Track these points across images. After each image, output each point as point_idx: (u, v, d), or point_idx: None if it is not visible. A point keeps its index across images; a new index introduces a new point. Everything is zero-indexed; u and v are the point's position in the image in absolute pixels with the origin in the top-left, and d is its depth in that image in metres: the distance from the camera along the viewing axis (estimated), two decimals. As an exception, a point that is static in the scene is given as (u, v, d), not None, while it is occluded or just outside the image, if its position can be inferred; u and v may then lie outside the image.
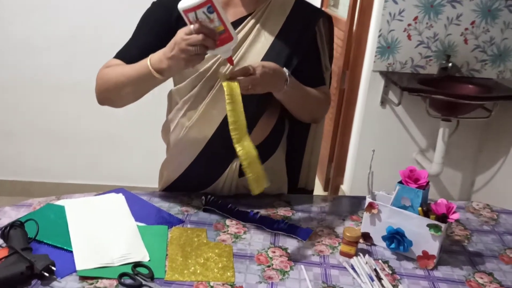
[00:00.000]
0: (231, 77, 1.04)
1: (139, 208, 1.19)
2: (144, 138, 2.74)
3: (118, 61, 1.18)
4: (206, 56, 1.16)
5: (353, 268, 1.02)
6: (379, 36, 2.58)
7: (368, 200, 1.12)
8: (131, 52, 1.18)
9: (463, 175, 2.90)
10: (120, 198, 1.22)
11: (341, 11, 3.50)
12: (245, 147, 1.03)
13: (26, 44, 2.60)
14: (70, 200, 1.19)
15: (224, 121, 1.14)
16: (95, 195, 1.23)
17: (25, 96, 2.71)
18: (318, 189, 3.30)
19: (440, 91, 2.37)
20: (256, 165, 1.04)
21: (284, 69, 1.13)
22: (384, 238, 1.10)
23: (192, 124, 1.21)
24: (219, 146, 1.19)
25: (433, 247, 1.06)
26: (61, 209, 1.15)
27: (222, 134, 1.14)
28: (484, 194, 2.84)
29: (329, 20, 1.29)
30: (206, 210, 1.21)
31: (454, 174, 2.88)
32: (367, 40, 2.75)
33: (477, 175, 2.89)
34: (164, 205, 1.23)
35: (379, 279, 0.99)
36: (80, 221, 1.10)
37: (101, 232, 1.07)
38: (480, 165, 2.86)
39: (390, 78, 2.56)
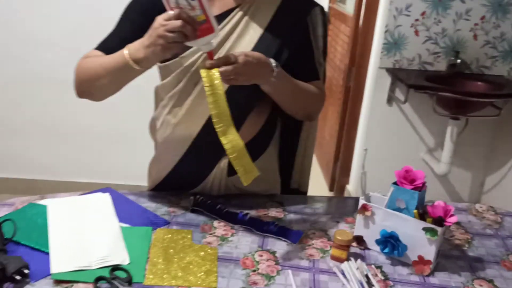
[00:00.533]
0: (211, 67, 0.99)
1: (125, 208, 1.15)
2: (142, 134, 2.71)
3: (98, 52, 1.15)
4: (191, 49, 1.12)
5: (343, 274, 0.97)
6: (386, 32, 2.51)
7: (362, 201, 1.06)
8: (112, 43, 1.14)
9: (472, 175, 2.82)
10: (106, 198, 1.18)
11: (348, 7, 3.43)
12: (231, 140, 0.99)
13: (31, 40, 2.59)
14: (53, 200, 1.15)
15: (211, 118, 1.10)
16: (81, 194, 1.19)
17: (29, 93, 2.70)
18: (324, 189, 3.24)
19: (448, 88, 2.30)
20: (244, 157, 1.00)
21: (271, 59, 1.07)
22: (377, 242, 1.04)
23: (177, 121, 1.16)
24: (206, 144, 1.14)
25: (429, 252, 1.00)
26: (43, 209, 1.11)
27: (209, 132, 1.10)
28: (494, 195, 2.76)
29: (322, 12, 1.24)
30: (194, 211, 1.17)
31: (463, 174, 2.80)
32: (373, 36, 2.69)
33: (487, 175, 2.80)
34: (151, 206, 1.19)
35: (370, 285, 0.94)
36: (61, 222, 1.07)
37: (82, 234, 1.03)
38: (490, 164, 2.77)
39: (397, 75, 2.49)
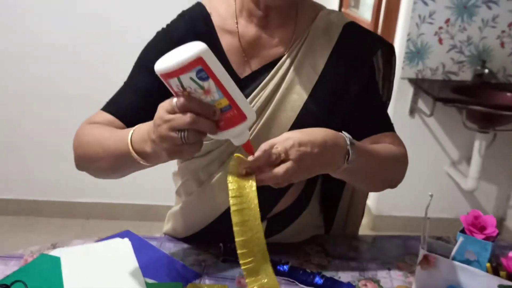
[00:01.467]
0: (247, 172, 0.72)
1: (148, 257, 1.01)
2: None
3: (106, 116, 0.92)
4: None
5: None
6: (408, 40, 2.38)
7: (423, 252, 0.92)
8: (125, 101, 0.92)
9: (498, 189, 2.69)
10: (125, 245, 1.04)
11: (362, 12, 3.30)
12: (262, 286, 0.69)
13: (30, 54, 2.45)
14: (66, 250, 1.01)
15: None
16: (96, 241, 1.06)
17: (29, 109, 2.56)
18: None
19: (478, 101, 2.17)
20: None
21: (343, 134, 0.81)
22: (444, 300, 0.90)
23: (202, 191, 0.99)
24: None
25: (506, 312, 0.86)
26: (56, 261, 0.97)
27: None
28: (521, 210, 2.63)
29: (391, 52, 1.02)
30: (226, 260, 1.03)
31: (488, 188, 2.67)
32: (394, 44, 2.55)
33: (514, 189, 2.68)
34: (177, 253, 1.05)
35: None
36: (78, 277, 0.93)
37: (103, 292, 0.90)
38: (517, 178, 2.65)
39: (420, 85, 2.37)
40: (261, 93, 0.92)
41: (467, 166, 2.49)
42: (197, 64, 0.62)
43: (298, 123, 0.91)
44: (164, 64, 0.63)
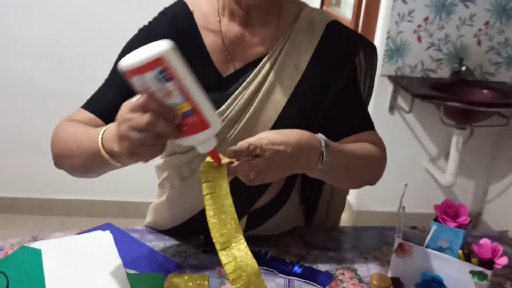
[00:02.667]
0: (219, 161, 0.74)
1: (129, 249, 1.02)
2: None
3: (85, 114, 0.91)
4: None
5: (384, 326, 0.86)
6: (388, 38, 2.42)
7: (398, 240, 0.95)
8: (104, 99, 0.92)
9: (475, 184, 2.75)
10: (107, 237, 1.05)
11: (343, 10, 3.33)
12: (236, 259, 0.71)
13: (8, 48, 2.41)
14: (47, 242, 1.01)
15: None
16: (78, 233, 1.06)
17: (7, 104, 2.53)
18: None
19: (455, 97, 2.22)
20: (255, 284, 0.70)
21: (319, 136, 0.82)
22: (418, 286, 0.93)
23: (184, 186, 1.00)
24: None
25: (477, 297, 0.89)
26: (37, 253, 0.97)
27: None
28: (497, 204, 2.69)
29: (373, 51, 1.03)
30: (206, 251, 1.04)
31: (466, 183, 2.73)
32: (374, 42, 2.59)
33: (490, 184, 2.73)
34: (158, 245, 1.06)
35: None
36: (59, 269, 0.93)
37: (84, 283, 0.90)
38: (494, 173, 2.71)
39: (400, 83, 2.41)
40: (244, 92, 0.93)
41: (445, 162, 2.54)
42: (158, 64, 0.60)
43: (280, 122, 0.92)
44: (127, 60, 0.61)
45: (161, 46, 0.60)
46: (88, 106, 0.94)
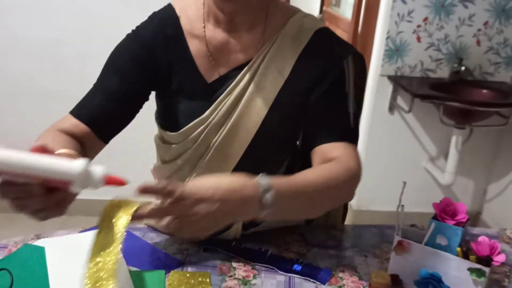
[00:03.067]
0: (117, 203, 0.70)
1: (131, 247, 1.03)
2: (141, 145, 2.58)
3: (72, 120, 0.91)
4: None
5: (383, 322, 0.87)
6: (387, 38, 2.43)
7: (397, 238, 0.96)
8: (91, 104, 0.92)
9: (475, 184, 2.76)
10: (109, 235, 1.06)
11: (343, 11, 3.35)
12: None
13: (8, 48, 2.43)
14: (51, 240, 1.03)
15: None
16: (81, 231, 1.07)
17: (7, 104, 2.54)
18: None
19: (455, 97, 2.23)
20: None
21: (259, 180, 0.74)
22: (417, 283, 0.94)
23: None
24: None
25: (475, 294, 0.90)
26: (41, 251, 0.99)
27: None
28: (496, 204, 2.70)
29: (361, 60, 1.00)
30: (207, 249, 1.05)
31: (465, 182, 2.74)
32: (374, 42, 2.60)
33: (490, 183, 2.75)
34: (160, 242, 1.07)
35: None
36: (62, 267, 0.94)
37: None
38: (493, 173, 2.72)
39: (399, 82, 2.42)
40: (227, 98, 0.93)
41: (445, 161, 2.55)
42: None
43: (263, 128, 0.92)
44: None
45: None
46: (75, 111, 0.94)
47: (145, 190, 0.69)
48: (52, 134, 0.89)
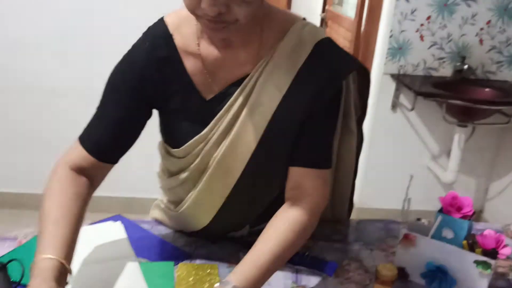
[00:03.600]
0: None
1: (140, 239, 1.05)
2: (146, 143, 2.59)
3: (81, 153, 0.91)
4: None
5: (390, 313, 0.89)
6: (390, 37, 2.44)
7: (403, 231, 0.97)
8: (96, 134, 0.92)
9: (477, 182, 2.77)
10: (118, 228, 1.07)
11: (345, 10, 3.36)
12: None
13: (15, 45, 2.44)
14: (61, 232, 1.03)
15: (223, 208, 0.98)
16: (90, 224, 1.08)
17: (15, 101, 2.55)
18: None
19: (457, 95, 2.24)
20: None
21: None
22: (423, 275, 0.95)
23: (183, 209, 1.01)
24: (220, 228, 1.04)
25: (481, 287, 0.92)
26: (51, 243, 1.00)
27: (220, 221, 1.00)
28: (498, 202, 2.71)
29: (364, 72, 0.99)
30: (216, 241, 1.06)
31: (467, 180, 2.75)
32: (377, 41, 2.61)
33: (491, 181, 2.76)
34: (168, 235, 1.08)
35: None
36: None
37: (97, 271, 0.92)
38: (495, 171, 2.73)
39: (402, 81, 2.43)
40: (226, 115, 0.91)
41: (447, 160, 2.56)
42: None
43: (262, 145, 0.91)
44: None
45: None
46: (83, 140, 0.92)
47: None
48: (60, 187, 0.89)
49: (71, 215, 0.83)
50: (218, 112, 0.91)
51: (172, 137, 0.99)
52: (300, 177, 0.93)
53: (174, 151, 0.98)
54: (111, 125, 0.91)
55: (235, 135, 0.91)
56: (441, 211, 0.96)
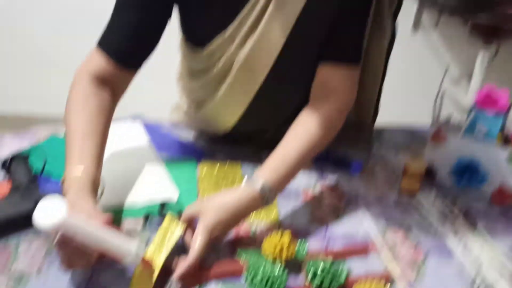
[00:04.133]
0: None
1: (160, 139, 1.02)
2: (158, 62, 2.53)
3: (101, 61, 0.84)
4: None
5: (417, 207, 0.87)
6: (414, -50, 2.30)
7: (434, 127, 0.94)
8: (117, 35, 0.84)
9: (496, 107, 2.71)
10: (137, 127, 1.04)
11: None
12: None
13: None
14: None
15: (247, 111, 0.94)
16: (108, 124, 1.06)
17: (22, 20, 2.48)
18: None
19: (483, 12, 2.13)
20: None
21: (252, 185, 0.77)
22: (453, 171, 0.93)
23: (207, 109, 0.98)
24: (243, 132, 1.00)
25: (512, 183, 0.89)
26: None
27: (243, 124, 0.96)
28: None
29: None
30: (237, 141, 1.03)
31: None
32: (399, -44, 2.46)
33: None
34: (188, 137, 1.05)
35: (450, 221, 0.83)
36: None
37: (120, 167, 0.91)
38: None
39: (425, -1, 2.31)
40: (252, 11, 0.85)
41: (467, 83, 2.48)
42: (58, 231, 0.62)
43: (290, 41, 0.86)
44: (39, 222, 0.60)
45: (54, 219, 0.60)
46: (103, 45, 0.85)
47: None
48: (84, 101, 0.83)
49: (98, 130, 0.80)
50: (242, 8, 0.85)
51: (193, 32, 0.93)
52: (328, 74, 0.89)
53: (197, 48, 0.93)
54: (131, 26, 0.84)
55: (260, 34, 0.86)
56: (475, 106, 0.92)
